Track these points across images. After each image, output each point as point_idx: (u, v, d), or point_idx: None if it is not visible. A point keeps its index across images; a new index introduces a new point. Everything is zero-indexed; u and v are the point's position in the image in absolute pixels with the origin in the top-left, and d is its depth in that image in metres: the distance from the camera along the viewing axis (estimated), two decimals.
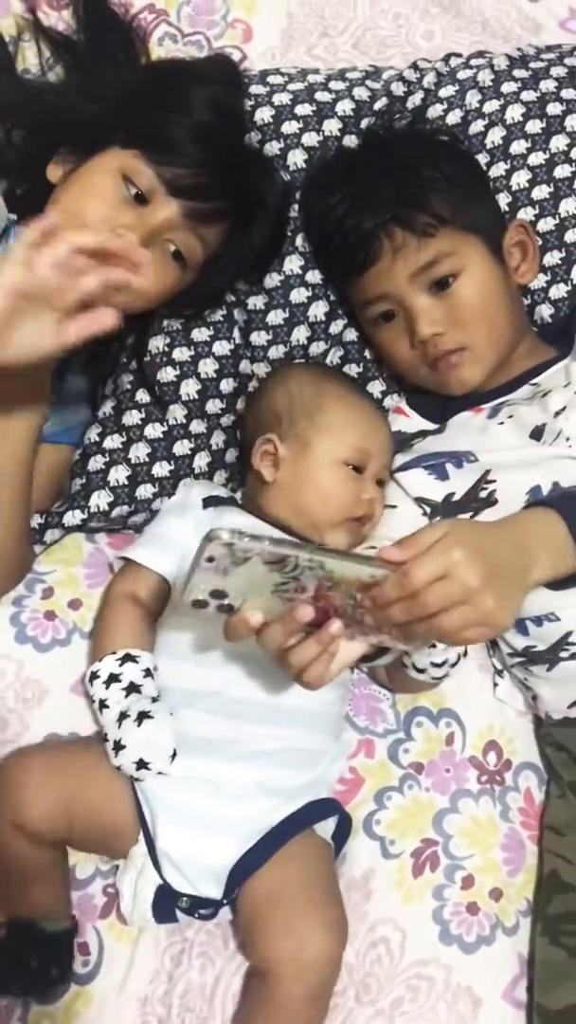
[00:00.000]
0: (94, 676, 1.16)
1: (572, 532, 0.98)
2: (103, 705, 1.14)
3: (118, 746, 1.11)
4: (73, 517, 1.26)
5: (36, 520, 1.26)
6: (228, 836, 1.11)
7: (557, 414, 1.19)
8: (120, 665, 1.15)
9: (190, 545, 1.17)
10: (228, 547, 0.86)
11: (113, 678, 1.14)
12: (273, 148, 1.36)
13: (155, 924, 1.13)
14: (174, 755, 1.11)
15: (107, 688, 1.14)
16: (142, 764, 1.10)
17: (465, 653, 1.19)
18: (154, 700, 1.13)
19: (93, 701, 1.16)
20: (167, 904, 1.11)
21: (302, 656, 0.96)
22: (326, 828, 1.17)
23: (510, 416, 1.24)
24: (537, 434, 1.20)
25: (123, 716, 1.12)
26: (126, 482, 1.27)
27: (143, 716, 1.11)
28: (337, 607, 0.93)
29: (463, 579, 0.89)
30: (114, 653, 1.16)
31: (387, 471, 1.25)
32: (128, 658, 1.15)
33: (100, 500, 1.26)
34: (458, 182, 1.26)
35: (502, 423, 1.24)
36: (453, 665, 1.16)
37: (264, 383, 1.32)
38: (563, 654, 1.18)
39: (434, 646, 1.12)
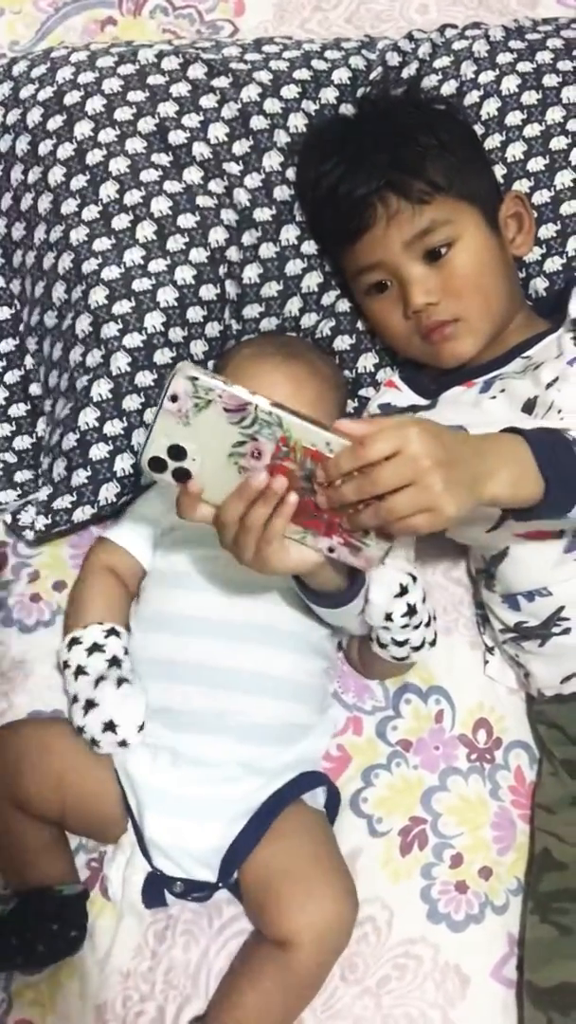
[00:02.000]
0: (75, 642, 1.15)
1: (538, 460, 0.96)
2: (80, 671, 1.13)
3: (90, 704, 1.11)
4: (83, 513, 1.23)
5: (42, 521, 1.23)
6: (216, 819, 1.10)
7: (548, 386, 1.17)
8: (105, 637, 1.15)
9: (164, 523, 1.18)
10: (192, 382, 0.87)
11: (96, 647, 1.14)
12: (275, 106, 1.34)
13: (143, 909, 1.12)
14: (141, 727, 1.11)
15: (88, 655, 1.14)
16: (110, 726, 1.10)
17: (434, 642, 1.16)
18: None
19: (67, 666, 1.15)
20: (156, 890, 1.11)
21: (256, 516, 0.94)
22: (316, 800, 1.16)
23: (502, 390, 1.22)
24: (529, 407, 1.18)
25: (101, 679, 1.12)
26: (131, 471, 1.24)
27: (122, 681, 1.12)
28: (291, 484, 0.92)
29: (415, 456, 0.88)
30: (100, 624, 1.16)
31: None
32: (113, 632, 1.16)
33: (109, 492, 1.23)
34: (455, 150, 1.24)
35: (494, 397, 1.22)
36: (416, 649, 1.14)
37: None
38: (555, 629, 1.16)
39: (404, 592, 1.09)
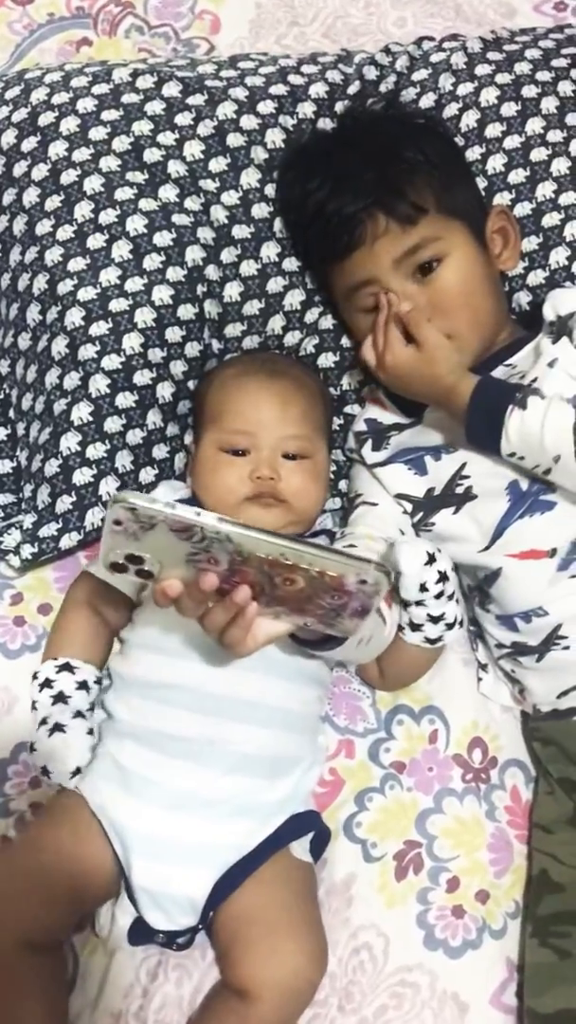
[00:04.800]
0: (34, 677, 1.17)
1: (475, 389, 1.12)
2: (33, 706, 1.15)
3: (32, 747, 1.15)
4: (70, 539, 1.21)
5: (28, 549, 1.21)
6: (205, 866, 1.07)
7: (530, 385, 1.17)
8: (56, 672, 1.16)
9: None
10: (131, 511, 0.85)
11: (47, 683, 1.15)
12: (251, 123, 1.32)
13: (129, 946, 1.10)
14: (77, 772, 1.11)
15: (40, 691, 1.15)
16: (45, 772, 1.13)
17: (462, 623, 1.18)
18: (79, 715, 1.14)
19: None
20: (142, 933, 1.08)
21: (213, 622, 0.95)
22: (302, 843, 1.13)
23: None
24: None
25: (43, 722, 1.14)
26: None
27: (57, 728, 1.12)
28: (252, 582, 0.91)
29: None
30: (55, 659, 1.17)
31: (298, 441, 1.19)
32: (67, 668, 1.16)
33: (95, 517, 1.22)
34: (441, 165, 1.23)
35: None
36: (450, 626, 1.15)
37: None
38: (554, 648, 1.15)
39: (433, 560, 1.11)
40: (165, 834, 1.07)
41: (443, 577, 1.12)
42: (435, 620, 1.14)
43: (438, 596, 1.12)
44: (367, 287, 1.22)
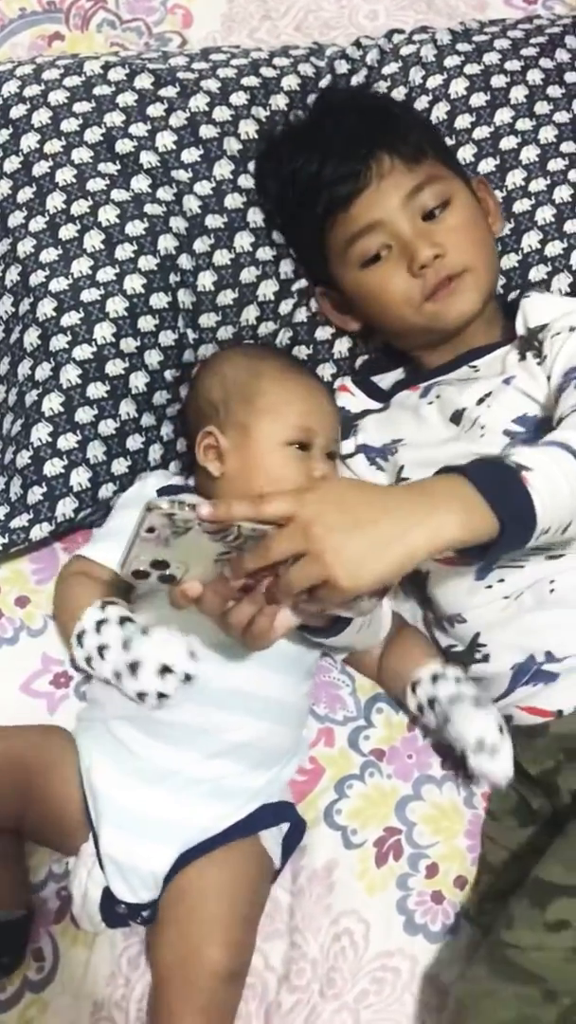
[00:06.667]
0: (81, 635, 1.10)
1: (488, 499, 0.88)
2: (102, 650, 1.07)
3: (134, 666, 1.03)
4: (41, 530, 1.21)
5: None
6: (170, 842, 1.07)
7: (480, 401, 1.17)
8: (103, 609, 1.09)
9: None
10: (168, 517, 0.84)
11: (102, 622, 1.08)
12: (224, 114, 1.33)
13: (106, 928, 1.09)
14: (193, 654, 1.03)
15: (99, 633, 1.08)
16: (166, 669, 1.02)
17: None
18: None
19: (90, 660, 1.09)
20: (113, 904, 1.08)
21: (240, 616, 0.94)
22: (274, 834, 1.12)
23: (438, 396, 1.22)
24: (456, 418, 1.18)
25: (127, 641, 1.05)
26: (88, 485, 1.21)
27: (146, 629, 1.05)
28: (279, 574, 0.90)
29: (306, 521, 0.87)
30: (91, 604, 1.10)
31: (336, 443, 1.21)
32: (109, 602, 1.10)
33: (66, 508, 1.21)
34: (430, 127, 1.29)
35: (431, 403, 1.22)
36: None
37: (199, 373, 1.26)
38: (476, 655, 1.16)
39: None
40: (138, 808, 1.07)
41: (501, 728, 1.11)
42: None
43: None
44: (375, 230, 1.19)
